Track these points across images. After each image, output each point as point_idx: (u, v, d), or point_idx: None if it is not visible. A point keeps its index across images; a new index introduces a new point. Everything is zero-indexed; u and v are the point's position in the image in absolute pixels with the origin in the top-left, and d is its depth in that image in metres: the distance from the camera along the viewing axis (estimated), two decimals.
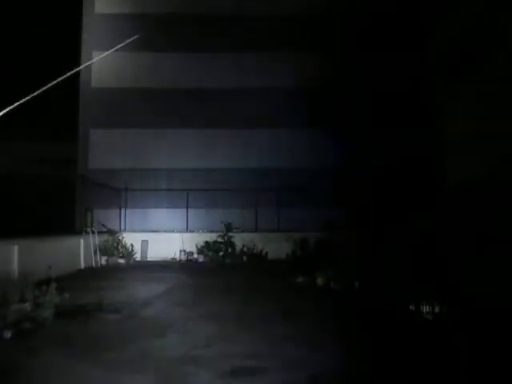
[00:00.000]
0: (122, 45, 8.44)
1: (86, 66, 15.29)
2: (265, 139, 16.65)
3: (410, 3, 16.67)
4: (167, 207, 16.12)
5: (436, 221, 7.19)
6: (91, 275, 10.84)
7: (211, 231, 14.29)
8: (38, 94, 7.38)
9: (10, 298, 5.72)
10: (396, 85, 16.21)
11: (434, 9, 15.05)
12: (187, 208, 15.58)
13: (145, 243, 14.41)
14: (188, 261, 13.64)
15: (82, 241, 12.16)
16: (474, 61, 12.44)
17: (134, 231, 14.77)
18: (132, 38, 8.82)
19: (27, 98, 7.32)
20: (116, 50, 15.60)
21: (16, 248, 8.71)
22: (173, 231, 14.96)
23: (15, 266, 8.59)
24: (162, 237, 14.50)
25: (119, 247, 13.51)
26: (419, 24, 16.17)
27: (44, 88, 7.36)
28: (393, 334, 5.41)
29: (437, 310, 6.15)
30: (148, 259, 14.10)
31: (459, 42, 13.25)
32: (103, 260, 12.97)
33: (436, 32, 14.95)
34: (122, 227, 15.21)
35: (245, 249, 13.97)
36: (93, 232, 12.90)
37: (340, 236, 9.51)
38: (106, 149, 16.64)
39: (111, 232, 13.65)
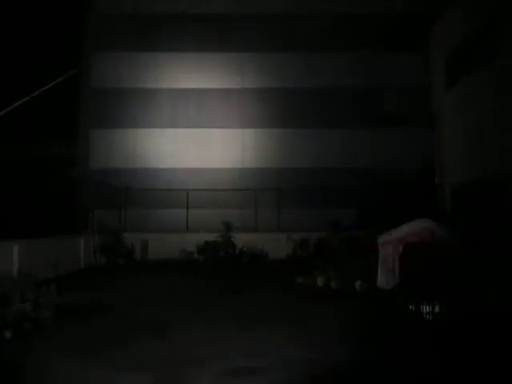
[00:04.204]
0: None
1: (86, 67, 15.25)
2: None
3: None
4: (167, 207, 16.09)
5: None
6: (91, 275, 10.83)
7: (211, 231, 14.25)
8: (38, 94, 7.39)
9: (10, 298, 5.73)
10: None
11: None
12: (187, 208, 15.56)
13: (145, 243, 14.40)
14: (188, 261, 13.61)
15: (82, 240, 12.16)
16: None
17: (134, 231, 14.74)
18: None
19: (27, 98, 7.34)
20: (116, 51, 15.60)
21: (16, 248, 8.71)
22: (173, 231, 14.93)
23: (15, 265, 8.60)
24: (162, 237, 14.47)
25: (119, 247, 13.48)
26: None
27: (44, 88, 7.37)
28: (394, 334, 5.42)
29: (437, 309, 6.16)
30: (148, 259, 14.08)
31: None
32: (103, 260, 12.95)
33: None
34: (122, 227, 15.17)
35: (245, 249, 13.94)
36: (93, 232, 12.89)
37: None
38: (106, 149, 16.61)
39: (111, 232, 13.63)
